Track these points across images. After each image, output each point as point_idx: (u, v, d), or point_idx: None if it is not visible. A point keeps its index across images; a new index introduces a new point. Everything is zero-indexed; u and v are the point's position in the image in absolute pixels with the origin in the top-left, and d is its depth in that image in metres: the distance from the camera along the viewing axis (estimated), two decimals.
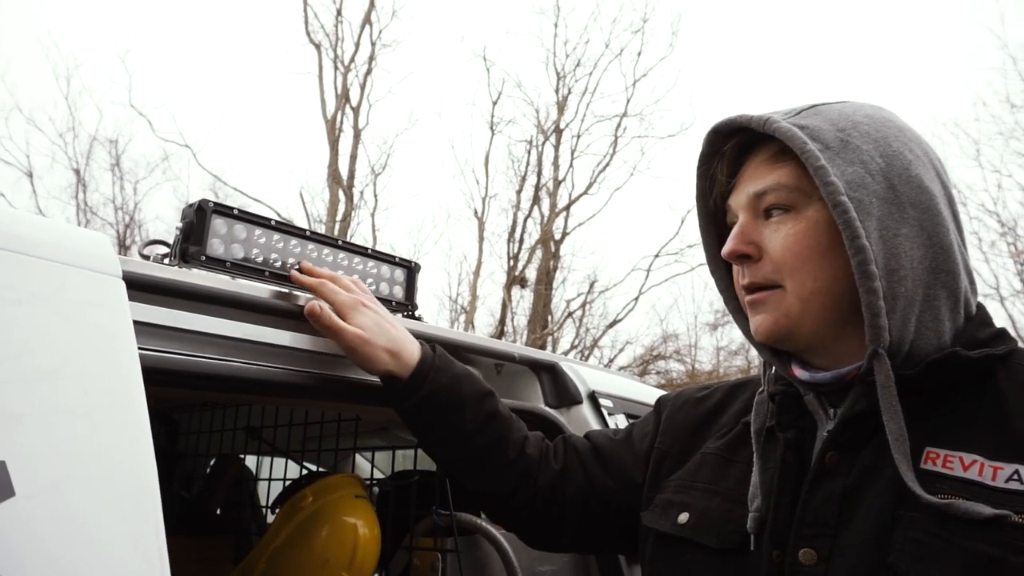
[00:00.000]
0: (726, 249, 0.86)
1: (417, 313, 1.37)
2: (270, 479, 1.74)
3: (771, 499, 0.82)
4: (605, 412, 1.53)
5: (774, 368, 0.89)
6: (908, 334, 0.76)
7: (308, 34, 13.70)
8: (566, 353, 13.73)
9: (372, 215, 13.93)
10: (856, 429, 0.79)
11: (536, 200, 14.34)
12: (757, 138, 0.86)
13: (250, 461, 2.07)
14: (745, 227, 0.85)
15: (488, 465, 1.04)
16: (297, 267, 1.13)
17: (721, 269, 0.94)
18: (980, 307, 0.84)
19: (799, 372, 0.85)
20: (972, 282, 0.83)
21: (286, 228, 1.18)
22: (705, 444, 0.98)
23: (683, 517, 0.90)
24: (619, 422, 1.55)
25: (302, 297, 1.09)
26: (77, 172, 13.55)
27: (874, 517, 0.73)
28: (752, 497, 0.83)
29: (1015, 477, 0.68)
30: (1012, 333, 0.82)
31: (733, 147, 0.89)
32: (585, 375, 1.60)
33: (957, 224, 0.82)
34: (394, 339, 1.03)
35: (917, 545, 0.69)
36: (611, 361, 14.34)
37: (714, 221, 0.94)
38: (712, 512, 0.88)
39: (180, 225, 1.11)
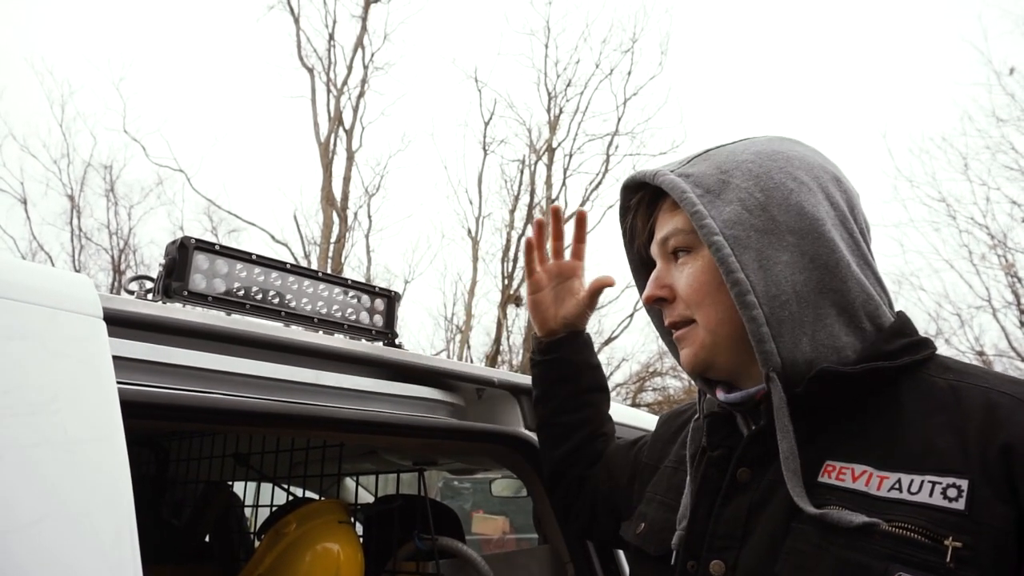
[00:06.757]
0: (643, 296, 0.94)
1: (397, 340, 1.41)
2: (256, 505, 1.76)
3: (689, 512, 0.86)
4: None
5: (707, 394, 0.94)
6: (802, 353, 0.78)
7: (301, 58, 13.86)
8: None
9: (366, 236, 14.01)
10: (763, 445, 0.82)
11: (530, 219, 14.40)
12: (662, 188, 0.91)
13: (241, 488, 2.09)
14: (659, 273, 0.92)
15: (563, 440, 1.26)
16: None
17: (655, 312, 0.99)
18: (899, 316, 0.84)
19: (719, 394, 0.89)
20: (881, 293, 0.84)
21: (266, 262, 1.21)
22: (669, 457, 1.04)
23: (641, 527, 0.98)
24: None
25: (281, 328, 1.13)
26: (71, 198, 13.62)
27: (771, 529, 0.76)
28: (681, 517, 0.88)
29: (896, 486, 0.70)
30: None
31: (643, 200, 0.95)
32: None
33: (855, 240, 0.84)
34: (555, 314, 1.29)
35: (799, 555, 0.72)
36: (607, 379, 14.33)
37: (646, 268, 0.99)
38: (658, 522, 0.94)
39: (163, 261, 1.15)
